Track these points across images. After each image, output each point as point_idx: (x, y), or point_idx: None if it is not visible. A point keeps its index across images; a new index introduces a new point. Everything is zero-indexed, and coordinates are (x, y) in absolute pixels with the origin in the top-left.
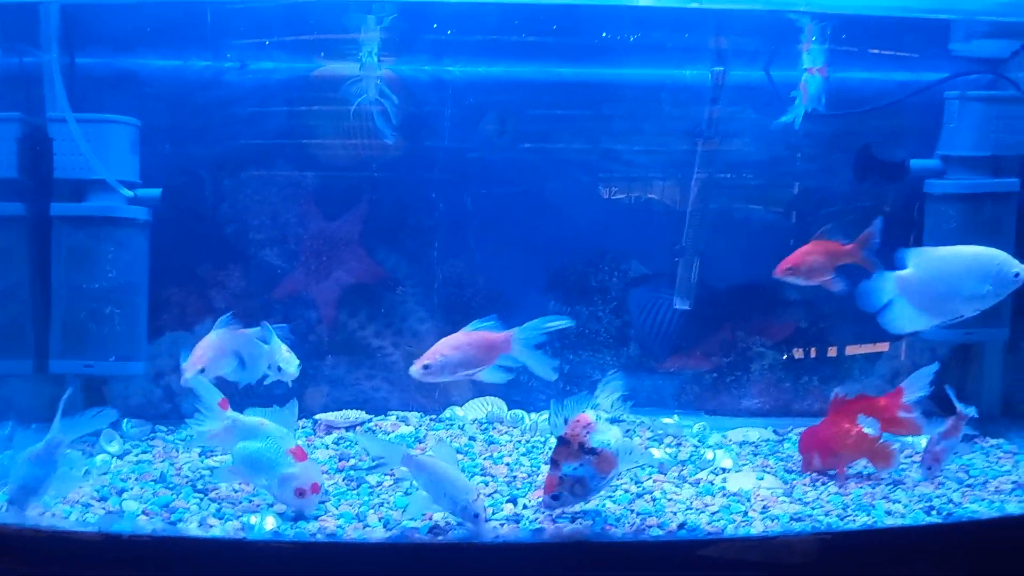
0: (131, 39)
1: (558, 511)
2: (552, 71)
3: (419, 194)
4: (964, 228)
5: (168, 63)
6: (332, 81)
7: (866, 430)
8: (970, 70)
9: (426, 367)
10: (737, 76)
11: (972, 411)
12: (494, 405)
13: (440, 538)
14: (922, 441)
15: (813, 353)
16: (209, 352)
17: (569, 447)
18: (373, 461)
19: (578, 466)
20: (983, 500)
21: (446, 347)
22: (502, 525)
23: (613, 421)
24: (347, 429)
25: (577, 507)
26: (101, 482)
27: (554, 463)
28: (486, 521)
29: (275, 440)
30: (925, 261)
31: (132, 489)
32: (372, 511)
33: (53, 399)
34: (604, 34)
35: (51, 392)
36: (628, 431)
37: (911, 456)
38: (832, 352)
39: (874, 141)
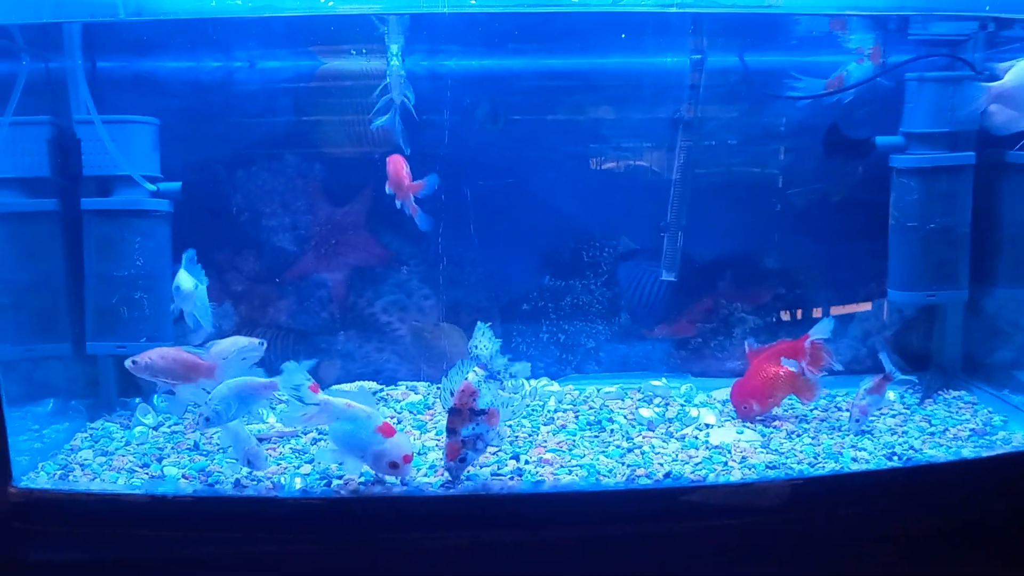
0: (147, 43)
1: (465, 470)
2: (541, 63)
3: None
4: (925, 198)
5: (182, 64)
6: (335, 75)
7: (792, 369)
8: (929, 53)
9: (134, 362)
10: (717, 61)
11: (898, 374)
12: None
13: (452, 491)
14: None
15: (792, 317)
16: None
17: (461, 415)
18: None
19: (474, 427)
20: (942, 446)
21: (156, 353)
22: (510, 479)
23: (490, 378)
24: None
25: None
26: (141, 451)
27: (451, 431)
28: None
29: (363, 420)
30: (1016, 73)
31: (170, 456)
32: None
33: (89, 379)
34: (588, 30)
35: (87, 372)
36: (500, 380)
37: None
38: (813, 313)
39: (842, 121)
